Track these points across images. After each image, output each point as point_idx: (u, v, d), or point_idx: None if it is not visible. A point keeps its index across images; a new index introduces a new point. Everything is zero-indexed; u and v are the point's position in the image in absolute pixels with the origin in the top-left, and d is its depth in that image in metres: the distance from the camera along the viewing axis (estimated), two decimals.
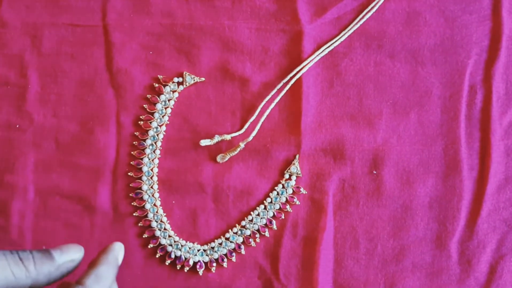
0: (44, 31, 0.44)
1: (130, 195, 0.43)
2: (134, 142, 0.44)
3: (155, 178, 0.43)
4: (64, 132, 0.43)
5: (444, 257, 0.43)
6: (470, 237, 0.43)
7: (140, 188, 0.43)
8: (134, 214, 0.43)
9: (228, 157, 0.43)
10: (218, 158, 0.43)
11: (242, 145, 0.43)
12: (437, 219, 0.43)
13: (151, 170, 0.43)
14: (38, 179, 0.43)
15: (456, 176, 0.43)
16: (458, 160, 0.43)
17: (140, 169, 0.43)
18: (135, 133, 0.44)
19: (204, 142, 0.42)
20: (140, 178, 0.43)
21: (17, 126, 0.43)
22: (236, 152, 0.43)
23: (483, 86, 0.44)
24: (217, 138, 0.43)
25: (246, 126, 0.44)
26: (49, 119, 0.43)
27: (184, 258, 0.42)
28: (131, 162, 0.43)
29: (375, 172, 0.43)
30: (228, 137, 0.43)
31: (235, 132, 0.43)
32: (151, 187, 0.43)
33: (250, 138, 0.43)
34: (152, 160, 0.43)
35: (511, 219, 0.43)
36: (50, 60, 0.44)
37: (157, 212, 0.43)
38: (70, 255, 0.30)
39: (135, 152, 0.43)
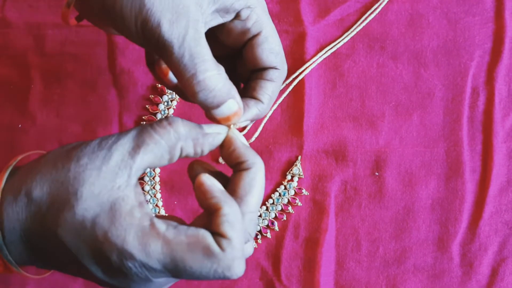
0: (47, 32, 0.44)
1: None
2: None
3: (157, 179, 0.43)
4: (67, 132, 0.43)
5: (446, 259, 0.43)
6: (472, 240, 0.43)
7: (143, 189, 0.43)
8: None
9: None
10: (221, 159, 0.43)
11: None
12: (439, 221, 0.43)
13: (153, 170, 0.43)
14: None
15: (458, 178, 0.43)
16: (460, 162, 0.43)
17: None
18: None
19: None
20: (142, 179, 0.43)
21: (19, 126, 0.43)
22: None
23: (485, 88, 0.44)
24: None
25: (248, 127, 0.43)
26: (52, 119, 0.43)
27: None
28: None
29: (377, 174, 0.43)
30: None
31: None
32: (153, 187, 0.43)
33: (253, 139, 0.43)
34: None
35: None
36: (53, 61, 0.44)
37: (159, 212, 0.43)
38: (217, 128, 0.29)
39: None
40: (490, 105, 0.44)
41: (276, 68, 0.33)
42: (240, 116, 0.31)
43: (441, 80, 0.44)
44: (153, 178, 0.43)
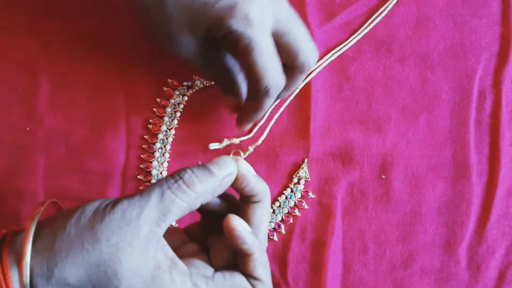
0: (55, 35, 0.44)
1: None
2: (143, 146, 0.44)
3: (166, 165, 0.43)
4: (75, 135, 0.43)
5: (453, 263, 0.43)
6: (479, 243, 0.43)
7: (150, 172, 0.43)
8: None
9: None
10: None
11: (251, 149, 0.43)
12: (446, 224, 0.43)
13: (161, 173, 0.43)
14: (48, 183, 0.43)
15: (465, 181, 0.43)
16: (467, 165, 0.43)
17: (150, 172, 0.43)
18: (145, 136, 0.44)
19: (213, 146, 0.42)
20: (149, 181, 0.43)
21: (28, 129, 0.43)
22: (245, 156, 0.43)
23: (492, 91, 0.44)
24: (226, 142, 0.43)
25: (255, 130, 0.44)
26: (60, 122, 0.43)
27: None
28: (141, 165, 0.43)
29: (384, 176, 0.43)
30: (237, 141, 0.43)
31: (244, 136, 0.43)
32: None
33: (259, 142, 0.43)
34: (162, 164, 0.43)
35: None
36: (61, 64, 0.44)
37: None
38: (227, 169, 0.30)
39: (145, 155, 0.43)
40: (497, 108, 0.44)
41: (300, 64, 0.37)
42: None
43: (448, 83, 0.44)
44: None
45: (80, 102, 0.44)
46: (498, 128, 0.44)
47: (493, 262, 0.43)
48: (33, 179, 0.43)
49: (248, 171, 0.31)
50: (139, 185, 0.43)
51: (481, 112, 0.44)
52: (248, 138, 0.43)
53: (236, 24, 0.32)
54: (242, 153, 0.42)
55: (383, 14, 0.45)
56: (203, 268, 0.31)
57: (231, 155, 0.32)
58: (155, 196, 0.28)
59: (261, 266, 0.31)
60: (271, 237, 0.43)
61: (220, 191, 0.31)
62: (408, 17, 0.45)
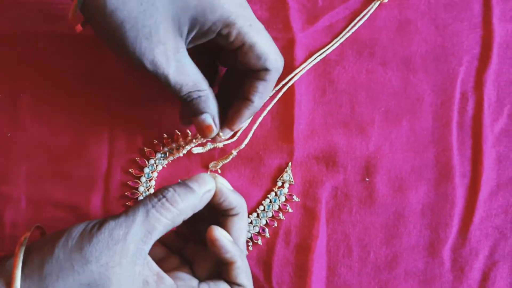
0: (38, 41, 0.44)
1: (126, 193, 0.43)
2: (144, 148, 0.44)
3: (153, 183, 0.43)
4: (57, 142, 0.43)
5: (437, 264, 0.43)
6: (463, 244, 0.43)
7: (137, 189, 0.43)
8: None
9: (220, 164, 0.43)
10: (211, 166, 0.43)
11: (234, 152, 0.43)
12: (430, 226, 0.43)
13: (152, 173, 0.43)
14: (31, 189, 0.43)
15: (449, 183, 0.43)
16: (450, 167, 0.44)
17: (142, 169, 0.43)
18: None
19: (197, 150, 0.42)
20: (139, 178, 0.43)
21: (8, 135, 0.43)
22: (228, 160, 0.43)
23: (474, 93, 0.44)
24: (209, 146, 0.43)
25: (238, 134, 0.44)
26: (42, 129, 0.43)
27: None
28: (136, 158, 0.43)
29: (367, 179, 0.44)
30: (220, 144, 0.43)
31: (228, 139, 0.43)
32: (148, 190, 0.43)
33: (243, 145, 0.43)
34: (156, 166, 0.43)
35: (503, 226, 0.43)
36: (43, 71, 0.44)
37: None
38: (206, 186, 0.32)
39: (147, 150, 0.43)
40: (479, 110, 0.44)
41: (267, 69, 0.36)
42: (212, 131, 0.37)
43: (430, 86, 0.44)
44: (150, 181, 0.43)
45: (63, 109, 0.43)
46: (481, 130, 0.44)
47: (476, 263, 0.43)
48: (16, 185, 0.43)
49: (225, 186, 0.33)
50: (122, 191, 0.43)
51: (464, 114, 0.44)
52: (231, 142, 0.43)
53: (226, 13, 0.34)
54: (219, 170, 0.43)
55: (366, 18, 0.45)
56: (188, 280, 0.32)
57: (209, 173, 0.35)
58: (140, 215, 0.29)
59: (244, 273, 0.33)
60: (256, 241, 0.43)
61: (200, 207, 0.32)
62: (390, 20, 0.45)
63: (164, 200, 0.30)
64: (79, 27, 0.35)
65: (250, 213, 0.43)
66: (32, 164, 0.43)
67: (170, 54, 0.34)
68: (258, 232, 0.43)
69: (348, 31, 0.45)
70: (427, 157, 0.44)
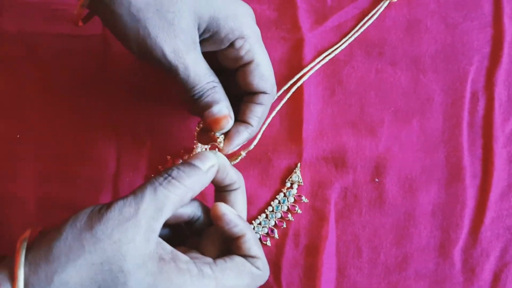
0: (43, 41, 0.44)
1: None
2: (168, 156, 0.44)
3: None
4: (65, 143, 0.43)
5: (447, 266, 0.43)
6: (474, 245, 0.43)
7: None
8: None
9: None
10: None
11: (243, 153, 0.43)
12: (440, 227, 0.43)
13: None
14: (39, 190, 0.43)
15: (459, 183, 0.43)
16: (461, 167, 0.43)
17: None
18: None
19: (200, 150, 0.42)
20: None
21: (18, 136, 0.43)
22: (237, 161, 0.43)
23: (485, 93, 0.44)
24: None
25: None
26: (50, 129, 0.43)
27: None
28: (159, 166, 0.43)
29: (377, 180, 0.43)
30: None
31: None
32: None
33: (252, 146, 0.43)
34: None
35: None
36: (51, 71, 0.44)
37: None
38: (210, 162, 0.32)
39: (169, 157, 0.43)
40: (490, 110, 0.44)
41: (265, 93, 0.37)
42: (229, 122, 0.36)
43: (440, 85, 0.44)
44: None
45: (70, 108, 0.43)
46: (491, 130, 0.43)
47: (487, 264, 0.43)
48: (24, 187, 0.43)
49: (226, 161, 0.33)
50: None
51: (474, 114, 0.44)
52: None
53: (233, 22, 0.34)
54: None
55: (375, 17, 0.45)
56: (201, 257, 0.32)
57: (208, 149, 0.35)
58: (148, 193, 0.29)
59: (255, 244, 0.33)
60: (265, 242, 0.43)
61: (207, 183, 0.32)
62: (400, 20, 0.45)
63: (170, 178, 0.30)
64: (79, 23, 0.35)
65: (258, 214, 0.43)
66: (40, 166, 0.43)
67: (190, 44, 0.33)
68: (267, 233, 0.43)
69: (357, 31, 0.45)
70: (437, 157, 0.43)
